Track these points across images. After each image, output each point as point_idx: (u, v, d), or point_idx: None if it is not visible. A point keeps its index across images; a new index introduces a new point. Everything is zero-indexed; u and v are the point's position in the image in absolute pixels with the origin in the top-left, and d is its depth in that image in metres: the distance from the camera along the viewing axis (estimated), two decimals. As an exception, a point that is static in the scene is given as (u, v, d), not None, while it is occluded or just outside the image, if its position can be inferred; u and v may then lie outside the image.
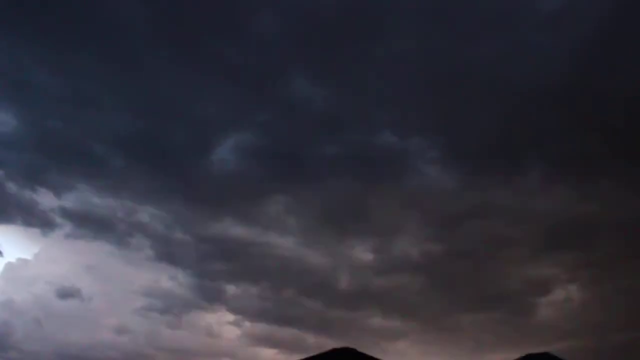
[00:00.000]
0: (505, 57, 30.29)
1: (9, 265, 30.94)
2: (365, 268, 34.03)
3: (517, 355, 25.31)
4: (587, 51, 29.30)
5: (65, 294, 30.11)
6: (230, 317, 33.62)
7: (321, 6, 30.80)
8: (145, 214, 32.88)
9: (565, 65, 29.82)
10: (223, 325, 33.43)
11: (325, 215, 34.46)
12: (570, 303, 33.30)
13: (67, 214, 30.93)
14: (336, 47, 32.04)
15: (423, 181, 33.27)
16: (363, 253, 34.76)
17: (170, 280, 33.57)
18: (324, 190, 34.25)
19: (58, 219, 30.76)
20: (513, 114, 32.03)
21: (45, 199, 30.39)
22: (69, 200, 31.33)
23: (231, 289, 34.23)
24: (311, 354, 22.19)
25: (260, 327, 33.67)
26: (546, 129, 32.35)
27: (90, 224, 31.67)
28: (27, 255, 33.89)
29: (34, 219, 30.34)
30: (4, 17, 27.74)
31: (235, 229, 34.64)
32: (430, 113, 32.98)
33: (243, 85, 32.62)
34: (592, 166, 32.58)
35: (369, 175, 33.69)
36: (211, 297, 33.63)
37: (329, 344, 25.02)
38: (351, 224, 34.70)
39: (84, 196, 31.90)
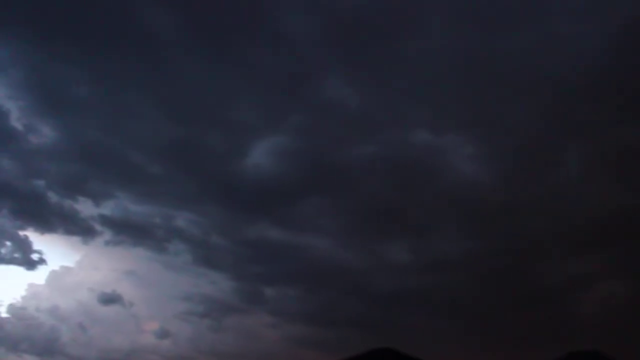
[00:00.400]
0: (540, 49, 29.80)
1: (53, 273, 31.55)
2: (404, 267, 33.82)
3: (562, 353, 24.75)
4: (625, 40, 28.70)
5: (107, 299, 30.58)
6: (269, 319, 33.78)
7: (352, 6, 30.89)
8: (183, 219, 33.19)
9: (602, 56, 29.26)
10: (262, 327, 33.59)
11: (362, 215, 34.36)
12: (615, 299, 32.48)
13: (106, 221, 31.40)
14: (368, 46, 32.00)
15: (459, 178, 32.89)
16: (401, 253, 34.53)
17: (209, 284, 33.85)
18: (360, 190, 34.16)
19: (98, 227, 31.24)
20: (549, 107, 31.44)
21: (86, 208, 30.90)
22: (108, 208, 31.80)
23: (269, 291, 34.39)
24: (351, 354, 22.07)
25: (300, 329, 33.74)
26: (584, 122, 31.73)
27: (129, 231, 32.09)
28: (70, 262, 34.56)
29: (75, 227, 30.86)
30: (42, 31, 28.39)
31: (272, 232, 34.79)
32: (464, 109, 32.58)
33: (276, 88, 32.82)
34: (633, 158, 31.80)
35: (404, 173, 33.46)
36: (250, 300, 33.82)
37: (369, 344, 24.92)
38: (388, 223, 34.51)
39: (123, 204, 32.35)
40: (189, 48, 30.89)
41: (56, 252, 34.59)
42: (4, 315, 29.12)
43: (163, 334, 31.19)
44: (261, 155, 33.51)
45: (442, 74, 31.69)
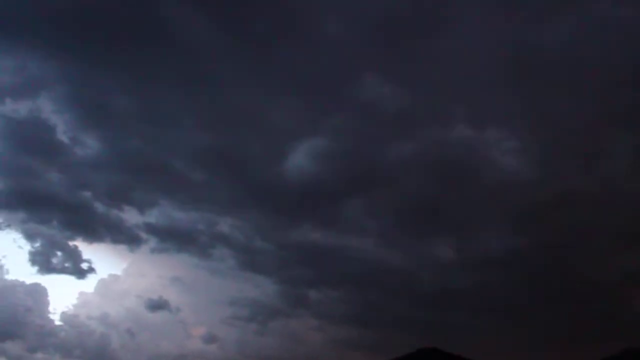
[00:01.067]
0: (582, 35, 28.95)
1: (101, 282, 32.19)
2: (447, 266, 33.22)
3: (616, 350, 23.86)
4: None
5: (155, 306, 30.97)
6: (314, 322, 33.68)
7: (387, 5, 30.65)
8: (226, 225, 33.34)
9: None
10: (307, 330, 33.52)
11: (404, 214, 33.94)
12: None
13: (151, 229, 31.76)
14: (405, 44, 31.68)
15: (502, 173, 32.07)
16: (444, 251, 33.95)
17: (254, 288, 33.99)
18: (401, 189, 33.72)
19: (143, 235, 31.62)
20: (593, 96, 30.46)
21: (131, 217, 31.34)
22: (153, 216, 32.18)
23: (314, 294, 34.29)
24: (396, 355, 21.81)
25: (345, 331, 33.54)
26: (632, 110, 30.57)
27: (173, 238, 32.40)
28: (117, 271, 35.22)
29: (122, 236, 31.32)
30: (84, 47, 29.02)
31: (314, 234, 34.67)
32: (505, 102, 31.90)
33: (314, 90, 32.78)
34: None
35: (446, 170, 32.88)
36: (294, 303, 33.78)
37: (414, 344, 24.57)
38: (431, 221, 34.00)
39: (166, 211, 32.70)
40: (225, 54, 31.17)
41: (104, 260, 35.28)
42: (58, 323, 29.88)
43: (210, 338, 31.51)
44: (302, 158, 33.49)
45: (480, 69, 31.20)
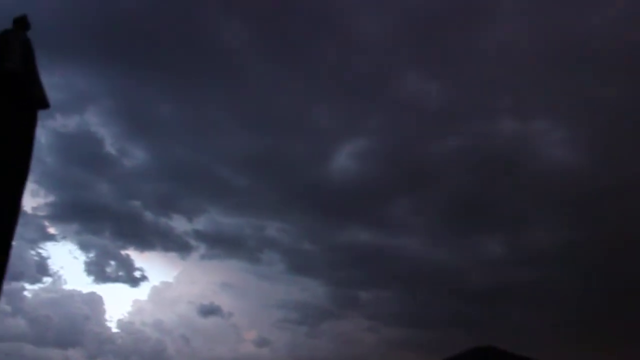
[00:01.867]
0: (630, 19, 27.61)
1: (154, 289, 32.63)
2: (498, 262, 32.27)
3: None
4: None
5: (207, 311, 31.23)
6: (366, 323, 33.30)
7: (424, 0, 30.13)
8: (273, 229, 33.19)
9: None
10: (359, 331, 33.16)
11: (452, 211, 33.16)
12: None
13: (200, 236, 31.93)
14: (443, 38, 30.89)
15: (551, 164, 30.86)
16: (494, 247, 33.01)
17: (304, 291, 33.85)
18: (448, 185, 32.97)
19: (193, 242, 31.89)
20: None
21: (180, 224, 31.59)
22: (201, 223, 32.38)
23: (364, 295, 33.90)
24: (451, 354, 21.32)
25: (397, 331, 32.99)
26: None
27: (222, 244, 32.53)
28: (169, 278, 35.68)
29: (172, 244, 31.66)
30: (127, 59, 29.60)
31: (362, 235, 34.22)
32: (550, 92, 30.70)
33: (353, 90, 32.43)
34: None
35: (493, 164, 31.93)
36: (345, 305, 33.42)
37: (468, 343, 23.94)
38: (480, 217, 33.05)
39: (214, 218, 32.90)
40: (264, 57, 31.11)
41: (156, 268, 35.91)
42: (115, 330, 30.57)
43: (262, 342, 31.53)
44: (345, 159, 33.18)
45: (523, 59, 30.14)
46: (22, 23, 4.36)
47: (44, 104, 4.54)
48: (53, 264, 29.90)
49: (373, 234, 34.00)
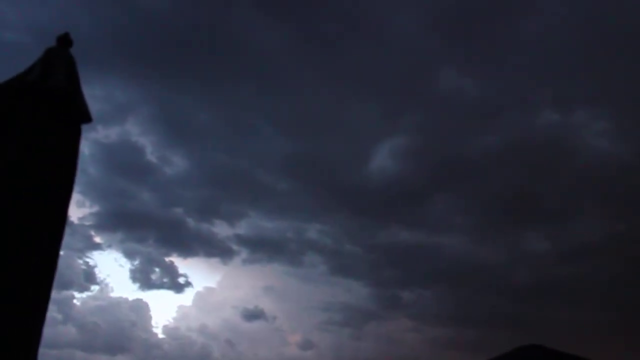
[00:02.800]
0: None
1: (198, 295, 33.16)
2: (543, 258, 31.61)
3: None
4: None
5: (251, 315, 31.53)
6: (409, 323, 33.06)
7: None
8: (314, 231, 33.41)
9: None
10: (403, 332, 32.92)
11: (494, 207, 32.67)
12: None
13: (241, 240, 32.40)
14: (478, 31, 30.52)
15: (595, 156, 30.18)
16: (539, 242, 32.36)
17: (346, 292, 33.83)
18: (489, 181, 32.51)
19: (234, 247, 32.32)
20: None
21: (222, 230, 32.11)
22: (242, 228, 32.82)
23: (407, 295, 33.65)
24: (496, 353, 20.91)
25: (441, 331, 32.71)
26: None
27: (263, 248, 32.88)
28: (212, 283, 36.35)
29: (214, 249, 32.18)
30: (165, 68, 29.99)
31: (402, 234, 34.02)
32: (592, 81, 29.96)
33: (388, 88, 32.25)
34: None
35: (534, 158, 31.36)
36: (388, 305, 33.32)
37: (514, 341, 23.50)
38: (522, 212, 32.48)
39: (255, 222, 33.29)
40: (298, 59, 31.26)
41: (199, 274, 36.43)
42: (161, 336, 31.04)
43: (306, 345, 31.65)
44: (384, 158, 33.07)
45: (562, 49, 29.55)
46: (64, 41, 4.44)
47: (87, 118, 4.53)
48: (100, 272, 30.67)
49: (414, 233, 33.86)
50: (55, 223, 4.15)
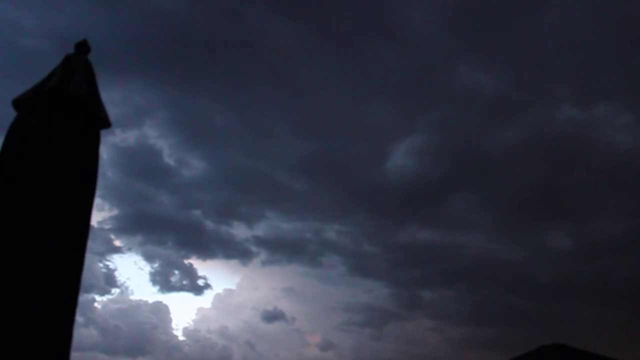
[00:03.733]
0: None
1: (217, 296, 33.06)
2: (565, 256, 31.22)
3: None
4: None
5: (271, 317, 31.40)
6: (430, 323, 32.81)
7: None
8: (332, 231, 33.12)
9: None
10: (423, 331, 32.68)
11: (514, 205, 32.28)
12: None
13: (260, 242, 32.16)
14: (496, 26, 30.18)
15: (617, 151, 29.71)
16: (561, 240, 31.94)
17: (366, 293, 33.60)
18: (509, 178, 32.14)
19: (253, 248, 32.09)
20: None
21: (240, 231, 31.91)
22: (260, 229, 32.60)
23: (427, 294, 33.40)
24: (518, 353, 20.71)
25: (462, 330, 32.37)
26: None
27: (282, 249, 32.63)
28: (231, 285, 36.18)
29: (233, 251, 31.96)
30: (181, 72, 30.07)
31: (422, 234, 33.71)
32: (611, 75, 29.49)
33: (405, 86, 32.01)
34: None
35: (555, 154, 30.92)
36: (408, 305, 33.03)
37: (537, 340, 23.23)
38: (543, 209, 32.04)
39: (273, 223, 33.06)
40: (314, 59, 31.10)
41: (218, 276, 36.29)
42: (181, 338, 31.12)
43: (326, 345, 31.48)
44: (402, 157, 32.83)
45: (581, 42, 29.06)
46: (83, 47, 4.47)
47: (106, 123, 4.62)
48: (120, 276, 30.77)
49: (433, 232, 33.54)
50: (79, 229, 4.22)
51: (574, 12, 28.77)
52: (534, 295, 31.14)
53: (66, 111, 4.29)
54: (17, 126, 4.33)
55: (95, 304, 29.04)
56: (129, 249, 30.57)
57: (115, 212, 29.98)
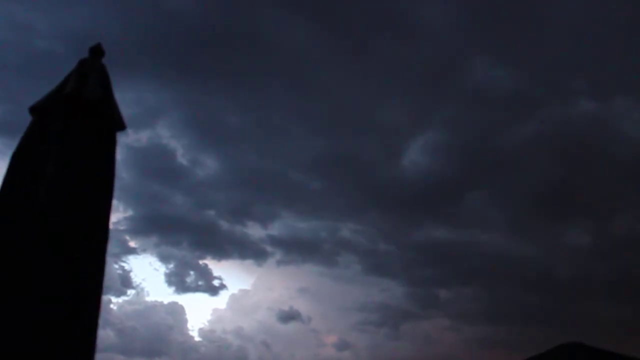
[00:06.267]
0: None
1: (232, 297, 33.00)
2: (584, 253, 30.84)
3: None
4: None
5: (286, 317, 31.30)
6: (447, 322, 32.57)
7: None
8: (347, 230, 32.92)
9: None
10: (440, 330, 32.43)
11: (531, 202, 31.92)
12: None
13: (275, 242, 32.03)
14: (510, 20, 29.84)
15: (636, 145, 29.20)
16: (579, 237, 31.56)
17: (382, 292, 33.39)
18: (526, 175, 31.79)
19: (269, 248, 31.96)
20: None
21: (255, 231, 31.77)
22: (275, 229, 32.43)
23: (443, 293, 33.16)
24: (536, 351, 20.50)
25: (480, 329, 32.10)
26: None
27: (297, 249, 32.49)
28: (246, 285, 36.13)
29: (248, 251, 31.86)
30: (194, 72, 30.07)
31: (437, 232, 33.45)
32: (630, 67, 29.00)
33: (419, 82, 31.75)
34: None
35: (572, 149, 30.52)
36: (424, 304, 32.83)
37: (555, 339, 22.97)
38: (561, 206, 31.69)
39: (288, 222, 32.91)
40: (327, 57, 30.90)
41: (233, 276, 35.98)
42: (197, 339, 31.15)
43: (343, 345, 31.36)
44: (417, 155, 32.57)
45: (597, 35, 28.67)
46: (97, 51, 4.49)
47: (121, 126, 4.65)
48: (135, 277, 30.80)
49: (449, 230, 33.31)
50: (99, 232, 4.27)
51: (590, 5, 28.43)
52: (552, 293, 30.82)
53: (82, 116, 4.30)
54: (34, 131, 4.34)
55: (112, 306, 29.16)
56: (144, 250, 30.62)
57: (129, 213, 30.03)
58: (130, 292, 30.53)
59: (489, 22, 29.87)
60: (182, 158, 30.85)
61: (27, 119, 4.41)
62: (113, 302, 29.85)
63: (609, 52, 28.95)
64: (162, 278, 32.36)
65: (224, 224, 31.63)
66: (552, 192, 30.93)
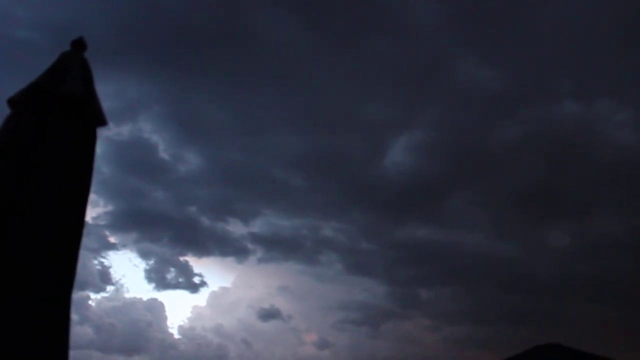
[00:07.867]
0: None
1: (212, 294, 32.84)
2: (564, 254, 31.08)
3: None
4: None
5: (267, 315, 31.25)
6: (427, 321, 32.67)
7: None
8: (329, 229, 32.96)
9: None
10: (420, 330, 32.53)
11: (514, 202, 32.14)
12: None
13: (256, 239, 31.94)
14: (496, 21, 29.96)
15: (618, 148, 29.58)
16: (560, 238, 31.81)
17: (363, 291, 33.45)
18: (508, 176, 31.99)
19: (249, 246, 31.87)
20: None
21: (236, 228, 31.66)
22: (257, 226, 32.36)
23: (425, 293, 33.26)
24: (515, 352, 20.63)
25: (460, 329, 32.26)
26: None
27: (278, 246, 32.43)
28: (227, 283, 35.96)
29: (229, 248, 31.73)
30: (176, 66, 29.77)
31: (420, 231, 33.57)
32: (614, 69, 29.27)
33: (405, 81, 31.76)
34: None
35: (555, 150, 30.75)
36: (405, 304, 32.92)
37: (535, 340, 23.12)
38: (543, 207, 31.89)
39: (270, 220, 32.82)
40: (313, 54, 30.86)
41: (214, 274, 35.81)
42: (177, 336, 30.91)
43: (322, 344, 31.37)
44: (401, 153, 32.63)
45: (581, 38, 28.91)
46: (79, 45, 4.37)
47: (102, 122, 4.56)
48: (115, 273, 30.51)
49: (432, 230, 33.46)
50: (73, 227, 4.13)
51: (574, 7, 28.60)
52: (533, 293, 31.10)
53: (62, 110, 4.19)
54: (10, 124, 4.22)
55: (90, 302, 28.85)
56: (124, 246, 30.33)
57: (109, 208, 29.74)
58: (110, 288, 30.26)
59: (474, 22, 30.00)
60: (163, 153, 30.62)
61: (4, 110, 4.29)
62: (92, 298, 29.56)
63: (593, 55, 29.21)
64: (142, 274, 32.11)
65: (205, 221, 31.43)
66: (534, 193, 31.19)
